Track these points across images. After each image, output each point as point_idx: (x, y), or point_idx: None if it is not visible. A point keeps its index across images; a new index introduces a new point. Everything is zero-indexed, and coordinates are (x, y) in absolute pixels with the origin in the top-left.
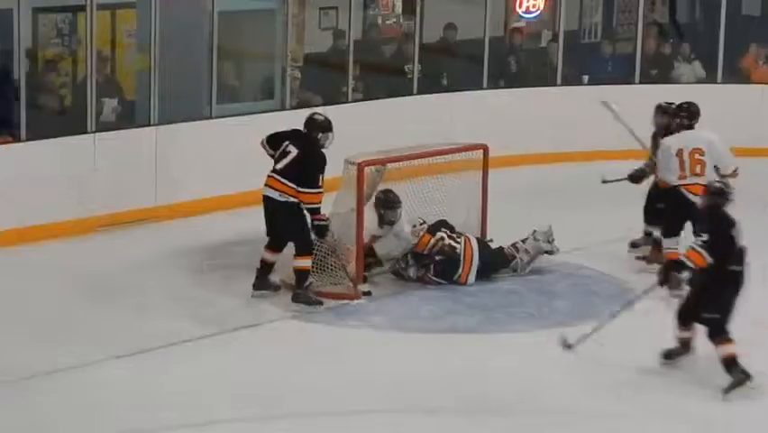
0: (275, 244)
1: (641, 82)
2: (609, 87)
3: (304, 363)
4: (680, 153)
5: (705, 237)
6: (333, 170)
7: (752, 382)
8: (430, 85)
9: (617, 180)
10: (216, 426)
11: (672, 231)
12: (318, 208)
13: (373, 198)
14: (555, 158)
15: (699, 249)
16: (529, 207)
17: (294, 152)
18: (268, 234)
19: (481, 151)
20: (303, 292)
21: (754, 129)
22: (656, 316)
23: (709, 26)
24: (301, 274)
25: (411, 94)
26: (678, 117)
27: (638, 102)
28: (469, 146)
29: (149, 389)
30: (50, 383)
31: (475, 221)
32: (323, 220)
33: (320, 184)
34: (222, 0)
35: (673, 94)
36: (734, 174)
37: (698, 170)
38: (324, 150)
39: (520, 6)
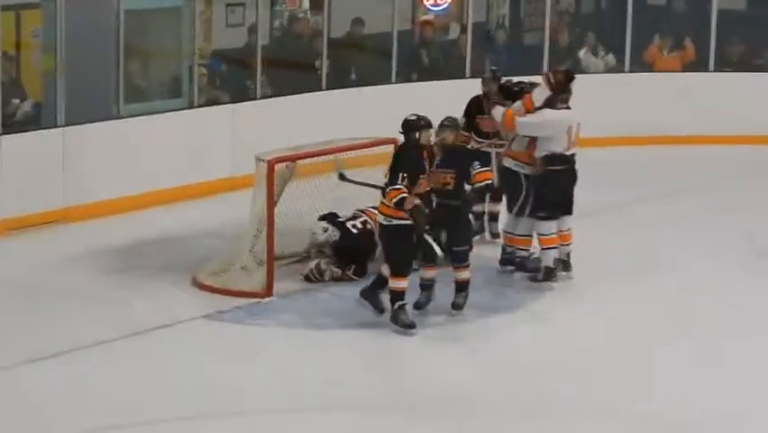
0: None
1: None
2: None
3: (222, 363)
4: (569, 129)
5: (477, 164)
6: (247, 168)
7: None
8: (339, 80)
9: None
10: (140, 428)
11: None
12: (398, 201)
13: None
14: None
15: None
16: None
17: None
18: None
19: (392, 145)
20: (393, 313)
21: (661, 117)
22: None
23: (616, 16)
24: (391, 295)
25: (320, 89)
26: (563, 93)
27: None
28: (379, 140)
29: (66, 392)
30: None
31: None
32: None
33: (399, 181)
34: None
35: (581, 83)
36: None
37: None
38: (425, 146)
39: None
